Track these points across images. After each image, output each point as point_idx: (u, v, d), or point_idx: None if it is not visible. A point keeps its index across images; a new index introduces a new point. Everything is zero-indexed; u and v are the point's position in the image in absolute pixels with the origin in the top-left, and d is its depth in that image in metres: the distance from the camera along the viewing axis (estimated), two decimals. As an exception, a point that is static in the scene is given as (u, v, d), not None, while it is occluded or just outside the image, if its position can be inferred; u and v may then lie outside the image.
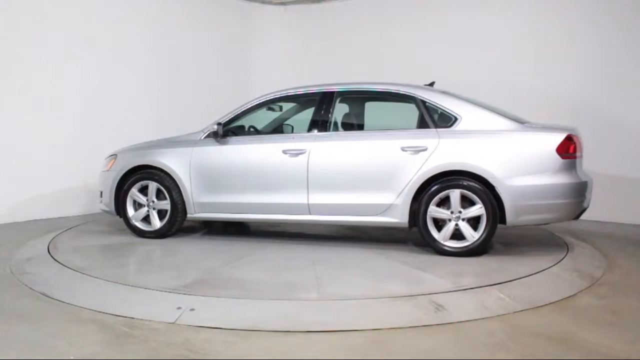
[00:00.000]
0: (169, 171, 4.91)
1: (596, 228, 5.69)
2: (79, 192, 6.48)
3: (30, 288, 3.55)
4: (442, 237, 4.23)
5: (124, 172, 5.04)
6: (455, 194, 4.16)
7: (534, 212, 4.11)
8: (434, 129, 4.34)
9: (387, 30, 7.42)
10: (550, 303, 3.27)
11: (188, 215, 4.95)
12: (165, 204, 4.94)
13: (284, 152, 4.57)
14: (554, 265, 3.98)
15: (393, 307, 3.12)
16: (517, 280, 3.56)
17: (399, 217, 4.32)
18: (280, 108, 5.14)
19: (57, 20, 6.17)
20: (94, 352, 2.58)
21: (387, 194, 4.32)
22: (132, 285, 3.46)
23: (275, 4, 8.19)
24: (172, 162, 4.92)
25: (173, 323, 2.92)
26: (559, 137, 4.11)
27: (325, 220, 4.60)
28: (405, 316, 3.00)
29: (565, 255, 4.27)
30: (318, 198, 4.51)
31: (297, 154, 4.54)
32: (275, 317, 3.01)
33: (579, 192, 4.16)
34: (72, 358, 2.52)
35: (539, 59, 6.40)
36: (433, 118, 4.41)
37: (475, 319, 2.98)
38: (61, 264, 4.01)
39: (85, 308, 3.15)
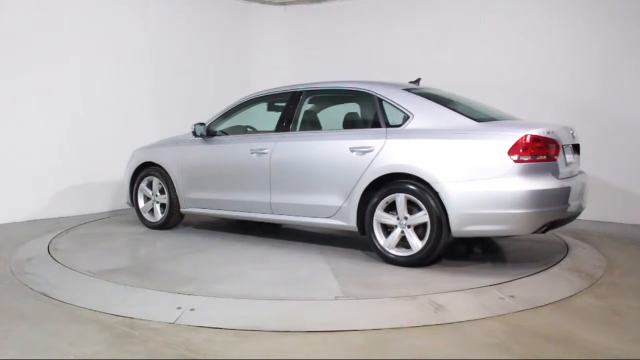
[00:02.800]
0: (166, 168, 5.30)
1: (596, 228, 5.69)
2: (79, 192, 6.47)
3: (30, 288, 3.55)
4: (387, 244, 3.94)
5: (135, 167, 5.56)
6: (400, 199, 3.86)
7: (481, 222, 3.62)
8: (384, 129, 4.10)
9: (387, 29, 7.42)
10: (550, 303, 3.26)
11: (181, 209, 5.28)
12: (164, 198, 5.36)
13: (252, 151, 4.68)
14: (554, 265, 3.97)
15: (393, 307, 3.12)
16: (517, 280, 3.56)
17: (348, 220, 4.15)
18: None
19: (58, 20, 6.16)
20: (94, 352, 2.58)
21: (336, 196, 4.19)
22: (131, 286, 3.46)
23: (275, 4, 8.19)
24: (168, 159, 5.33)
25: (173, 323, 2.92)
26: (513, 138, 3.58)
27: (284, 220, 4.61)
28: (405, 316, 3.00)
29: (565, 255, 4.26)
30: (278, 197, 4.55)
31: (261, 154, 4.61)
32: (275, 317, 3.01)
33: (541, 202, 3.56)
34: (72, 358, 2.52)
35: (538, 58, 6.40)
36: (385, 116, 4.16)
37: (475, 319, 2.98)
38: (61, 263, 4.02)
39: (85, 308, 3.16)
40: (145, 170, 5.48)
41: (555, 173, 3.71)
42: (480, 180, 3.60)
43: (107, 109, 6.65)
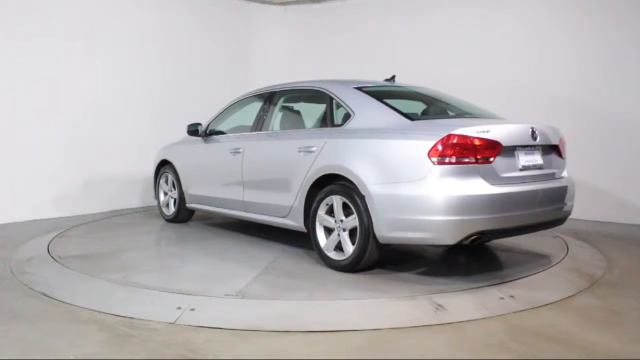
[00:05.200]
0: (175, 165, 5.64)
1: (596, 228, 5.68)
2: (79, 192, 6.47)
3: (30, 288, 3.55)
4: (326, 246, 3.84)
5: (157, 164, 5.95)
6: (336, 201, 3.75)
7: (403, 228, 3.39)
8: (328, 128, 4.04)
9: (387, 29, 7.42)
10: (550, 303, 3.26)
11: (186, 205, 5.57)
12: (175, 194, 5.72)
13: (230, 151, 4.82)
14: (554, 265, 3.97)
15: (393, 307, 3.12)
16: (517, 280, 3.56)
17: (298, 220, 4.11)
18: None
19: (58, 19, 6.16)
20: (94, 352, 2.58)
21: (288, 196, 4.17)
22: (132, 285, 3.47)
23: (275, 4, 8.19)
24: (176, 157, 5.67)
25: (173, 323, 2.92)
26: (434, 138, 3.28)
27: (253, 218, 4.68)
28: (405, 316, 3.00)
29: (565, 255, 4.26)
30: (249, 196, 4.64)
31: (237, 153, 4.73)
32: (275, 317, 3.01)
33: (464, 209, 3.22)
34: (72, 358, 2.52)
35: (539, 58, 6.40)
36: (332, 115, 4.09)
37: (475, 319, 2.98)
38: (61, 263, 4.02)
39: (85, 308, 3.15)
40: (164, 167, 5.87)
41: (490, 177, 3.34)
42: (401, 183, 3.37)
43: (109, 108, 6.65)
